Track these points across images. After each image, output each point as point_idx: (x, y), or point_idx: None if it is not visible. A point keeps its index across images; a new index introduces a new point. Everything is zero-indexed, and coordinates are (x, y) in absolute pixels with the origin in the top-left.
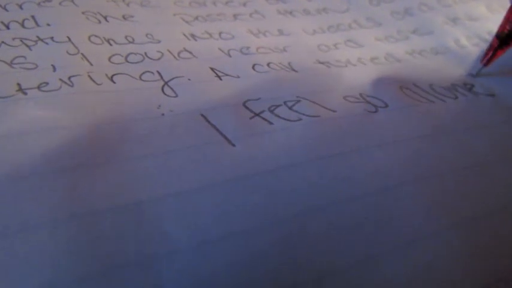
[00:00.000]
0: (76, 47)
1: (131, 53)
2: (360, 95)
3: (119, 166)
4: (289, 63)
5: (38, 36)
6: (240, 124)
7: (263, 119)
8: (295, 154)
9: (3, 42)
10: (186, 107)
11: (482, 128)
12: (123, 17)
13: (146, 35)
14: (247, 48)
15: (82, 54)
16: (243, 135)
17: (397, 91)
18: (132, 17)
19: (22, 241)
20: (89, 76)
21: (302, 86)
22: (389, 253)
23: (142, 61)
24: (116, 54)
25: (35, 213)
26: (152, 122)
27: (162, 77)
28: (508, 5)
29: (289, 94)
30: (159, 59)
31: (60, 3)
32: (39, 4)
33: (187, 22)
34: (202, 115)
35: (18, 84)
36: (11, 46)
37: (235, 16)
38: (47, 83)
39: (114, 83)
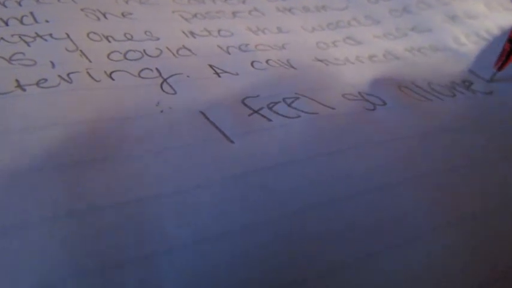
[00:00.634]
0: (75, 44)
1: (130, 50)
2: (359, 93)
3: (118, 163)
4: (287, 61)
5: (36, 33)
6: (239, 121)
7: (262, 116)
8: (294, 151)
9: (1, 38)
10: (185, 104)
11: (480, 126)
12: (122, 14)
13: (145, 32)
14: (246, 45)
15: (81, 51)
16: (242, 132)
17: (395, 89)
18: (131, 14)
19: (21, 238)
20: (88, 73)
21: (301, 83)
22: (388, 251)
23: (141, 58)
24: (115, 51)
25: (34, 210)
26: (151, 119)
27: (160, 74)
28: (506, 3)
29: (288, 91)
30: (158, 56)
31: (59, 0)
32: (38, 1)
33: (186, 19)
34: (201, 112)
35: (17, 81)
36: (10, 42)
37: (234, 13)
38: (46, 80)
39: (113, 80)
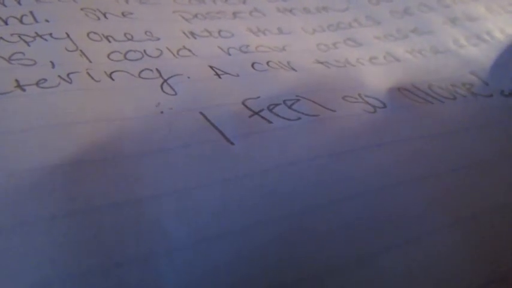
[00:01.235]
0: (75, 44)
1: (130, 50)
2: (359, 95)
3: (118, 163)
4: (288, 63)
5: (36, 32)
6: (239, 123)
7: (262, 117)
8: (294, 153)
9: (1, 38)
10: (185, 105)
11: (480, 128)
12: (123, 13)
13: (145, 32)
14: (247, 46)
15: (81, 50)
16: (242, 133)
17: (395, 92)
18: (131, 14)
19: (20, 238)
20: (88, 73)
21: (301, 85)
22: (388, 251)
23: (141, 58)
24: (115, 51)
25: (33, 210)
26: (151, 119)
27: (161, 75)
28: (507, 5)
29: (289, 93)
30: (158, 56)
31: (59, 0)
32: (37, 0)
33: (186, 20)
34: (201, 113)
35: (17, 81)
36: (9, 42)
37: (234, 14)
38: (46, 80)
39: (113, 80)
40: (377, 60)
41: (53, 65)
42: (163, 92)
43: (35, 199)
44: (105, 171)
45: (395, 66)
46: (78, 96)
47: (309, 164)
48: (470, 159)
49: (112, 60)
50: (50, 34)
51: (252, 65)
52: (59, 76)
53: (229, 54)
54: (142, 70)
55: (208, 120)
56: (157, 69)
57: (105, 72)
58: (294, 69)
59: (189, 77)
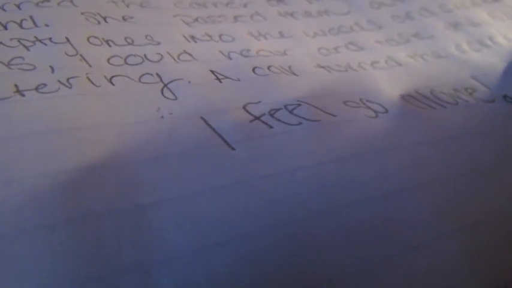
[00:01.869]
0: (75, 48)
1: (130, 55)
2: (360, 100)
3: (118, 170)
4: (289, 67)
5: (36, 37)
6: (240, 127)
7: (263, 122)
8: (296, 159)
9: (0, 42)
10: (185, 109)
11: (483, 134)
12: (123, 18)
13: (146, 36)
14: (248, 50)
15: (81, 55)
16: (243, 138)
17: (397, 97)
18: (131, 18)
19: (18, 245)
20: (88, 78)
21: (302, 90)
22: (390, 259)
23: (141, 63)
24: (115, 55)
25: (32, 217)
26: (151, 124)
27: (161, 79)
28: (509, 11)
29: (290, 98)
30: (158, 61)
31: (58, 4)
32: (37, 4)
33: (187, 24)
34: (202, 118)
35: (16, 86)
36: (9, 47)
37: (235, 18)
38: (45, 85)
39: (113, 85)
40: (378, 65)
41: (53, 70)
42: (164, 96)
43: (34, 206)
44: (104, 178)
45: (397, 71)
46: (78, 101)
47: (310, 169)
48: (473, 165)
49: (112, 64)
50: (50, 39)
51: (253, 70)
52: (59, 81)
53: (230, 59)
54: (143, 75)
55: (209, 125)
56: (157, 74)
57: (105, 76)
58: (295, 73)
59: (189, 82)
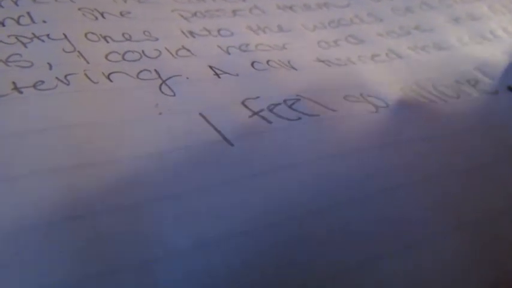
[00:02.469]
0: (72, 45)
1: (128, 51)
2: (360, 94)
3: (116, 166)
4: (288, 61)
5: (33, 33)
6: (239, 123)
7: (262, 117)
8: (295, 154)
9: None
10: (184, 106)
11: (485, 128)
12: (121, 13)
13: (144, 32)
14: (247, 45)
15: (78, 52)
16: (242, 134)
17: (398, 91)
18: (129, 13)
19: (17, 243)
20: (86, 74)
21: (302, 85)
22: (390, 255)
23: (139, 59)
24: (113, 52)
25: (31, 215)
26: (150, 121)
27: (159, 76)
28: (510, 5)
29: (289, 93)
30: (156, 57)
31: (56, 0)
32: (34, 0)
33: (185, 18)
34: (200, 114)
35: (14, 83)
36: (6, 44)
37: (234, 12)
38: (43, 82)
39: (111, 81)
40: (379, 58)
41: (50, 67)
42: (162, 93)
43: (33, 204)
44: (103, 175)
45: (398, 64)
46: (76, 98)
47: (310, 165)
48: (474, 161)
49: (110, 61)
50: (47, 35)
51: (252, 64)
52: (57, 78)
53: (229, 54)
54: (141, 71)
55: (208, 122)
56: (155, 70)
57: (103, 73)
58: (294, 68)
59: (188, 78)
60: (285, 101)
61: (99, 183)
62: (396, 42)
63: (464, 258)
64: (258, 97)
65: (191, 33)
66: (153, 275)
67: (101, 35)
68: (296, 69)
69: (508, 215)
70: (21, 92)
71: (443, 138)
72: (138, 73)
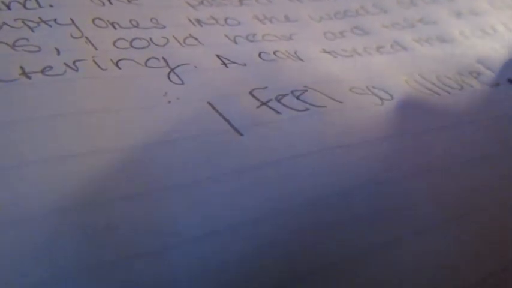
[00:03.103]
0: (80, 30)
1: (136, 38)
2: (366, 87)
3: (126, 154)
4: (295, 52)
5: (40, 18)
6: (247, 113)
7: (270, 108)
8: (303, 144)
9: (4, 23)
10: (192, 94)
11: (487, 119)
12: None
13: (151, 19)
14: (254, 35)
15: (86, 37)
16: (250, 124)
17: (402, 83)
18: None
19: (29, 230)
20: (94, 61)
21: (309, 76)
22: (398, 243)
23: (147, 47)
24: (121, 38)
25: (42, 201)
26: (159, 109)
27: (168, 64)
28: (510, 1)
29: (296, 83)
30: (164, 45)
31: None
32: None
33: (192, 6)
34: (209, 103)
35: (22, 68)
36: (13, 27)
37: (241, 1)
38: (51, 67)
39: (120, 68)
40: (384, 49)
41: (58, 52)
42: (171, 81)
43: (44, 191)
44: (113, 163)
45: (403, 55)
46: (85, 84)
47: (317, 155)
48: (477, 152)
49: (118, 48)
50: (55, 20)
51: (259, 55)
52: (65, 64)
53: (236, 43)
54: (149, 59)
55: (217, 111)
56: (163, 58)
57: (111, 60)
58: (301, 59)
59: (196, 67)
60: (292, 91)
61: (110, 171)
62: (401, 34)
63: (464, 249)
64: (265, 87)
65: (198, 21)
66: (166, 262)
67: (108, 21)
68: (303, 60)
69: (510, 205)
70: (29, 78)
71: (447, 130)
72: (147, 61)
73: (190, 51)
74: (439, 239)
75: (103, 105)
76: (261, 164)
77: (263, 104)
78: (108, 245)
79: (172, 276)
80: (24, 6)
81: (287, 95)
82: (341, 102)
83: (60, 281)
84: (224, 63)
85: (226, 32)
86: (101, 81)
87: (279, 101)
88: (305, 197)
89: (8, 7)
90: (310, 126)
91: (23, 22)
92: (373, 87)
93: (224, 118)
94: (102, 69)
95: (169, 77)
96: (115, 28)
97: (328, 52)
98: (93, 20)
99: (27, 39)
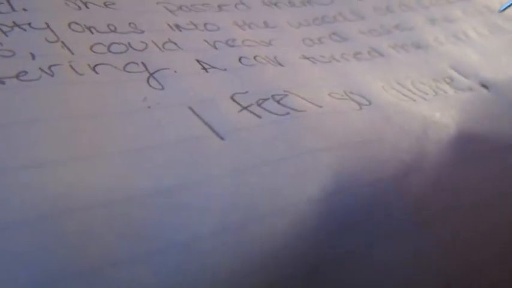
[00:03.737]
0: (55, 35)
1: (114, 43)
2: (344, 92)
3: (106, 161)
4: (275, 57)
5: (14, 22)
6: (229, 117)
7: (251, 112)
8: (284, 148)
9: None
10: (173, 99)
11: (460, 123)
12: (105, 3)
13: (129, 24)
14: (233, 40)
15: (62, 42)
16: (232, 128)
17: (379, 89)
18: (113, 4)
19: (6, 239)
20: (71, 66)
21: (289, 81)
22: (377, 242)
23: (126, 51)
24: (98, 43)
25: (19, 210)
26: (138, 114)
27: (147, 69)
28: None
29: (277, 88)
30: (143, 49)
31: None
32: None
33: (171, 12)
34: (190, 108)
35: None
36: None
37: (219, 7)
38: (26, 72)
39: (97, 73)
40: (361, 56)
41: (33, 57)
42: (150, 86)
43: (21, 199)
44: (92, 169)
45: (379, 62)
46: (61, 90)
47: (298, 159)
48: (450, 156)
49: (95, 52)
50: (29, 24)
51: (239, 60)
52: (40, 69)
53: (216, 48)
54: (127, 63)
55: (197, 115)
56: (142, 63)
57: (88, 65)
58: (280, 64)
59: (175, 71)
60: (273, 96)
61: (89, 177)
62: (377, 40)
63: (437, 250)
64: (246, 92)
65: (177, 26)
66: (150, 268)
67: (85, 25)
68: (283, 66)
69: (482, 206)
70: (3, 83)
71: (423, 134)
72: (125, 66)
73: (169, 56)
74: (413, 241)
75: (81, 111)
76: (243, 168)
77: (244, 108)
78: (89, 252)
79: (156, 283)
80: None
81: (268, 99)
82: (320, 107)
83: None
84: (204, 68)
85: (205, 37)
86: (79, 86)
87: (259, 105)
88: (287, 201)
89: None
90: (291, 130)
91: None
92: (351, 93)
93: (205, 123)
94: (80, 74)
95: (148, 82)
96: (92, 32)
97: (308, 58)
98: (69, 24)
99: (1, 44)
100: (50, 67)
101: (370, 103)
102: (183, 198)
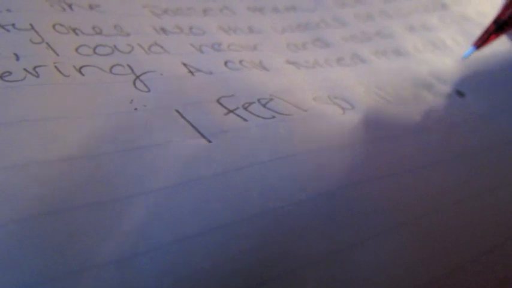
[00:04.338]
0: (40, 36)
1: (99, 45)
2: (328, 96)
3: (91, 162)
4: (260, 62)
5: None
6: (215, 120)
7: (237, 115)
8: (270, 151)
9: None
10: (159, 102)
11: (439, 128)
12: (90, 6)
13: (114, 26)
14: (219, 44)
15: (47, 43)
16: (218, 131)
17: (362, 94)
18: (98, 6)
19: None
20: (56, 67)
21: (274, 85)
22: (359, 244)
23: (111, 54)
24: (83, 45)
25: (5, 211)
26: (125, 117)
27: (133, 71)
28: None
29: (262, 92)
30: (129, 52)
31: None
32: None
33: (156, 15)
34: (176, 111)
35: None
36: None
37: (205, 11)
38: (10, 73)
39: (83, 75)
40: (344, 61)
41: (17, 58)
42: (137, 88)
43: (4, 200)
44: (77, 171)
45: (361, 67)
46: (46, 91)
47: (283, 162)
48: (429, 157)
49: (81, 54)
50: (13, 25)
51: (225, 64)
52: (25, 69)
53: (202, 52)
54: (113, 66)
55: (184, 118)
56: (128, 65)
57: (74, 66)
58: (266, 68)
59: (162, 74)
60: (259, 100)
61: (74, 178)
62: (359, 46)
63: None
64: (232, 95)
65: (163, 29)
66: (135, 270)
67: (70, 27)
68: (268, 70)
69: (459, 207)
70: None
71: (401, 138)
72: (111, 68)
73: (155, 59)
74: (392, 242)
75: (66, 112)
76: (228, 170)
77: (230, 111)
78: (73, 254)
79: (141, 284)
80: None
81: (254, 103)
82: (305, 111)
83: None
84: (190, 71)
85: (191, 41)
86: (64, 87)
87: (246, 108)
88: (271, 203)
89: None
90: (276, 133)
91: None
92: (335, 97)
93: (192, 125)
94: (65, 76)
95: (135, 84)
96: (77, 34)
97: (292, 63)
98: (53, 26)
99: None
100: (34, 68)
101: (353, 107)
102: (171, 199)
